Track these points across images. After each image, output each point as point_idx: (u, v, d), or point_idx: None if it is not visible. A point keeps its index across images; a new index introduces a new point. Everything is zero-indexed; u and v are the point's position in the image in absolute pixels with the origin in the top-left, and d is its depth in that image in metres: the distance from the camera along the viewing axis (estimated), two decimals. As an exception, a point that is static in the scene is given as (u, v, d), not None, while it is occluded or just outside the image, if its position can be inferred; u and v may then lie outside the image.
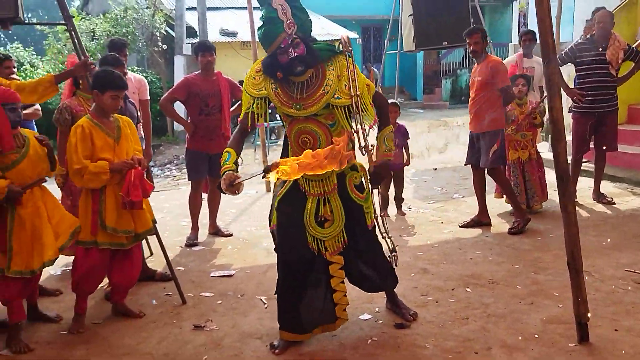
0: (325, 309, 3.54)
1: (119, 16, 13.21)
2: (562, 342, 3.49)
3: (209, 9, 14.91)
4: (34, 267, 3.56)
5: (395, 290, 3.94)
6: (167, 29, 14.65)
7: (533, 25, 17.52)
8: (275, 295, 3.65)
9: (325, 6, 19.22)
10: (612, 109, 6.30)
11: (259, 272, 4.87)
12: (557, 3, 9.72)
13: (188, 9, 14.19)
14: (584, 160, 7.65)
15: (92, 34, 13.46)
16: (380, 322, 3.85)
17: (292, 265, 3.48)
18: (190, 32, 14.52)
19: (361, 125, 3.35)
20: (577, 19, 13.51)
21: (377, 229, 3.64)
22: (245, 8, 17.51)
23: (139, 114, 4.88)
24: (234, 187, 3.13)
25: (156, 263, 4.99)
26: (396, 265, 3.74)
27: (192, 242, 5.62)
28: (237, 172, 3.28)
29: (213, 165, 5.72)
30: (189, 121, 5.66)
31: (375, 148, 3.53)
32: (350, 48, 3.36)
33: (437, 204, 6.84)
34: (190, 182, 5.87)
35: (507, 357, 3.37)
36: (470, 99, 5.78)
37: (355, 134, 3.34)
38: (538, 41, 3.38)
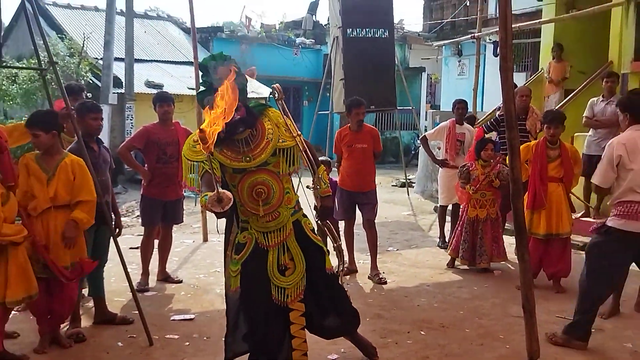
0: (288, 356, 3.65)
1: (43, 63, 12.96)
2: (516, 377, 3.89)
3: (136, 60, 14.96)
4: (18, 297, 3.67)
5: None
6: (92, 78, 14.51)
7: (440, 95, 18.90)
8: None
9: (250, 65, 19.76)
10: None
11: (220, 317, 4.92)
12: (474, 77, 10.73)
13: (116, 59, 14.18)
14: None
15: (13, 78, 13.12)
16: (349, 360, 4.09)
17: (260, 321, 3.59)
18: (116, 82, 14.46)
19: (311, 161, 3.69)
20: (486, 91, 14.83)
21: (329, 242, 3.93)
22: (170, 62, 17.79)
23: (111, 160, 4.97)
24: (223, 203, 3.08)
25: (113, 307, 4.97)
26: (341, 281, 3.90)
27: (143, 287, 5.62)
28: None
29: (167, 212, 5.84)
30: (145, 168, 5.76)
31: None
32: (283, 96, 3.70)
33: (363, 255, 7.17)
34: (143, 227, 5.90)
35: (471, 390, 3.70)
36: (351, 163, 6.21)
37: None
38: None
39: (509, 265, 6.58)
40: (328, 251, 3.80)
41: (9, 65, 11.67)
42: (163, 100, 5.82)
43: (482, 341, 4.49)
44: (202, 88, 3.48)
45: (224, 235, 3.79)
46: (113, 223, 4.90)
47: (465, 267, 6.48)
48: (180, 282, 5.96)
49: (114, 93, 14.15)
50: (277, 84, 3.75)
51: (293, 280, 3.58)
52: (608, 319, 4.97)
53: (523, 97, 6.93)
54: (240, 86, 3.35)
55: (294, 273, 3.59)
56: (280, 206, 3.56)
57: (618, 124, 7.68)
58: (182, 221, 6.24)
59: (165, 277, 5.97)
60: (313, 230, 3.75)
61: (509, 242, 7.24)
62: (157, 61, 17.50)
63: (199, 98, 3.46)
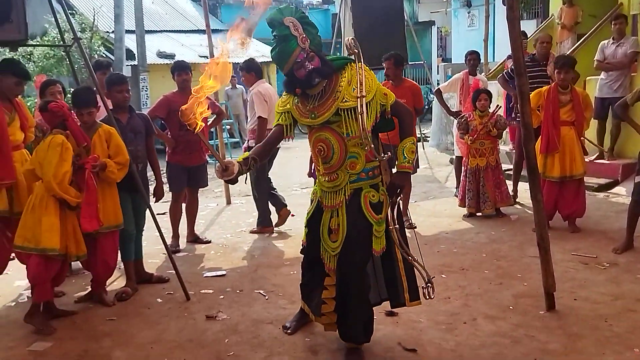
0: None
1: (56, 39, 13.18)
2: (534, 311, 4.11)
3: (146, 32, 15.09)
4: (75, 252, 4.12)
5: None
6: (105, 52, 14.71)
7: (451, 47, 18.85)
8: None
9: (259, 29, 19.68)
10: None
11: (250, 272, 5.24)
12: (484, 28, 10.72)
13: (126, 32, 14.32)
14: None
15: (28, 56, 13.36)
16: (375, 304, 4.31)
17: (310, 259, 3.69)
18: (128, 55, 14.64)
19: (363, 125, 3.19)
20: (497, 41, 14.76)
21: (398, 251, 3.47)
22: (180, 31, 17.88)
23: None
24: (228, 172, 3.21)
25: (149, 268, 5.24)
26: (430, 297, 3.48)
27: (175, 248, 5.87)
28: (245, 168, 3.32)
29: (192, 177, 6.07)
30: (169, 136, 5.97)
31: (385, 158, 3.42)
32: (356, 50, 3.28)
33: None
34: (171, 193, 6.14)
35: (491, 324, 3.93)
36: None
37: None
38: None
39: (526, 210, 6.77)
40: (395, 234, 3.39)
41: (34, 43, 11.91)
42: (181, 69, 5.98)
43: (500, 281, 4.71)
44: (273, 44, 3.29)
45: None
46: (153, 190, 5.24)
47: (481, 214, 6.67)
48: (209, 242, 6.22)
49: (128, 65, 14.36)
50: (351, 37, 3.39)
51: (335, 249, 3.43)
52: (622, 253, 5.16)
53: (544, 43, 7.03)
54: (311, 36, 3.26)
55: (337, 241, 3.44)
56: (340, 169, 3.38)
57: (629, 65, 7.78)
58: (207, 185, 6.47)
59: (194, 239, 6.24)
60: (375, 204, 3.39)
61: (525, 188, 7.42)
62: (167, 31, 17.66)
63: (272, 55, 3.31)
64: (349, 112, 3.29)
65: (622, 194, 7.40)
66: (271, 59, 3.37)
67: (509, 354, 3.54)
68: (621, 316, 3.97)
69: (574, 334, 3.73)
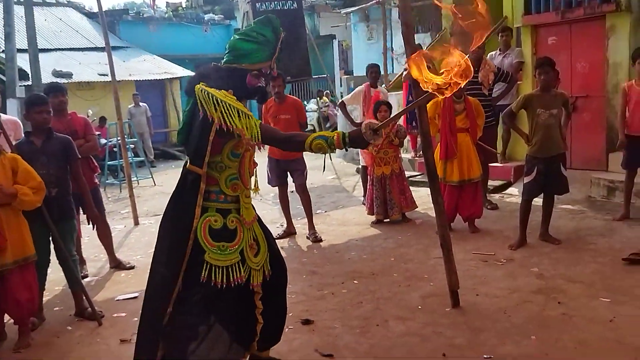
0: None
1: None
2: (440, 309, 4.35)
3: (40, 50, 14.47)
4: None
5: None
6: (-4, 72, 14.02)
7: (352, 60, 19.22)
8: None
9: (160, 46, 19.55)
10: (488, 125, 6.93)
11: (163, 291, 5.17)
12: (383, 41, 11.15)
13: (18, 50, 13.67)
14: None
15: None
16: (290, 314, 4.40)
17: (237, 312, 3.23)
18: (22, 75, 13.98)
19: None
20: (396, 53, 15.33)
21: None
22: (77, 49, 17.29)
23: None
24: (378, 134, 2.95)
25: (56, 296, 5.08)
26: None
27: (82, 273, 5.67)
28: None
29: (86, 203, 5.83)
30: None
31: None
32: None
33: (305, 219, 7.52)
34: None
35: (402, 325, 4.13)
36: None
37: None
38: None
39: (429, 214, 7.09)
40: None
41: None
42: (56, 91, 5.60)
43: (409, 283, 4.94)
44: (250, 40, 3.07)
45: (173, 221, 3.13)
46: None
47: (388, 220, 6.94)
48: (133, 267, 5.99)
49: (21, 86, 13.68)
50: None
51: (260, 262, 3.21)
52: (517, 249, 5.54)
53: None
54: (278, 62, 3.14)
55: (259, 254, 3.22)
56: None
57: (515, 75, 8.33)
58: (102, 209, 6.03)
59: (117, 264, 6.03)
60: None
61: (427, 193, 7.77)
62: (62, 49, 17.00)
63: (243, 45, 3.06)
64: None
65: (514, 194, 7.91)
66: (230, 44, 3.11)
67: (419, 352, 3.73)
68: (518, 308, 4.27)
69: (477, 328, 3.98)
